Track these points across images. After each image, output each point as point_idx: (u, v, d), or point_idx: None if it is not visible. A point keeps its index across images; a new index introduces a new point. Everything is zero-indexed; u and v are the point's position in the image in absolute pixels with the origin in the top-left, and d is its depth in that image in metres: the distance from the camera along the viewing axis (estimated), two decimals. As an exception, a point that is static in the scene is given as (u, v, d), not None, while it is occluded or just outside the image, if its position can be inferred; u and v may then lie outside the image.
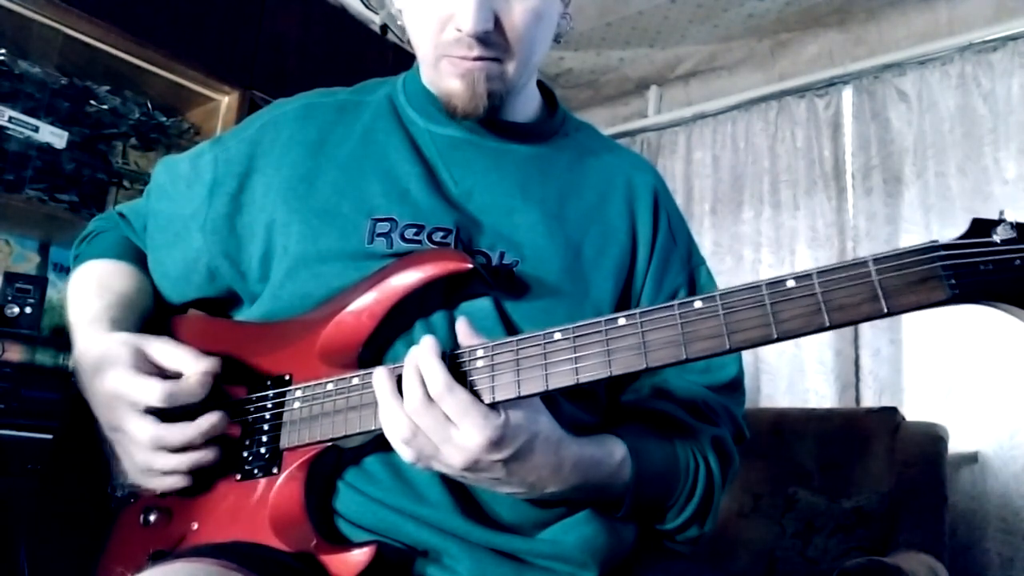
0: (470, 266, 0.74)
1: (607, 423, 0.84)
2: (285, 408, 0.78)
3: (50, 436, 1.72)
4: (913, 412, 2.49)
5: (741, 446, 0.88)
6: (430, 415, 0.65)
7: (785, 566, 2.19)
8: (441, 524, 0.74)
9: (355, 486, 0.76)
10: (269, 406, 0.79)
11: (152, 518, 0.81)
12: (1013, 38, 2.66)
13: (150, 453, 0.77)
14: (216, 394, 0.80)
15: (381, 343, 0.78)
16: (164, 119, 2.39)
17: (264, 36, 2.49)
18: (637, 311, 0.64)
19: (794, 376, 2.93)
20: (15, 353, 1.81)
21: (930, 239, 0.57)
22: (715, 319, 0.61)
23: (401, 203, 0.83)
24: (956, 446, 2.39)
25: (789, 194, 3.10)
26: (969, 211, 2.60)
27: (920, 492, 2.18)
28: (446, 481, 0.74)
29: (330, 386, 0.75)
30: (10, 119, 1.96)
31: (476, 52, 0.79)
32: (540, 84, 0.96)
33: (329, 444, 0.75)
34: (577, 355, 0.65)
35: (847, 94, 3.04)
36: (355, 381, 0.74)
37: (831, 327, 0.57)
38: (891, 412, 2.39)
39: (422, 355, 0.66)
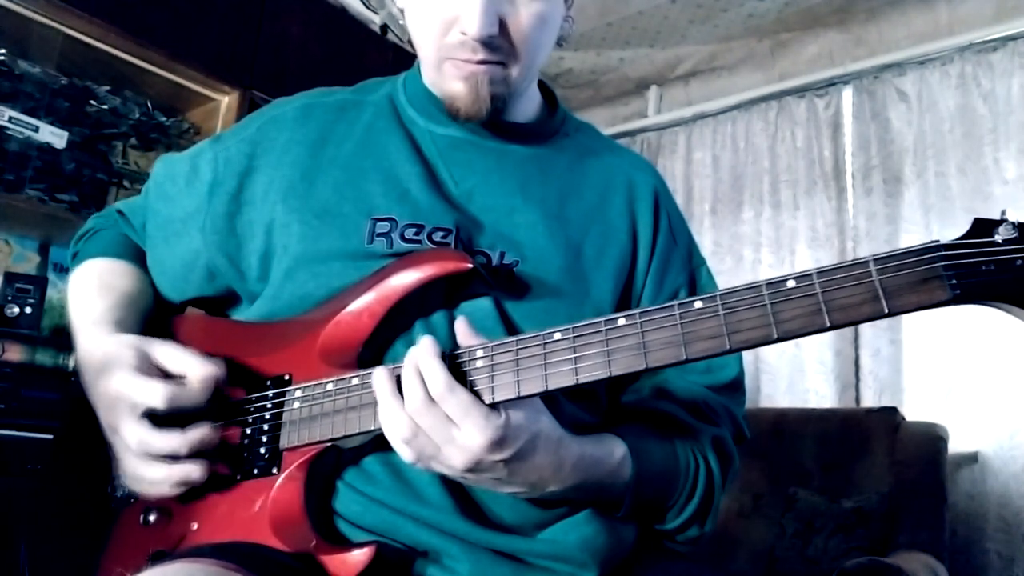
0: (470, 266, 0.74)
1: (607, 423, 0.84)
2: (285, 408, 0.78)
3: (50, 436, 1.72)
4: (913, 412, 2.49)
5: (741, 446, 0.88)
6: (431, 415, 0.65)
7: (785, 566, 2.19)
8: (441, 524, 0.74)
9: (355, 486, 0.76)
10: (269, 406, 0.79)
11: (152, 518, 0.81)
12: (1013, 38, 2.66)
13: (137, 460, 0.76)
14: (216, 394, 0.79)
15: (381, 343, 0.78)
16: (164, 119, 2.39)
17: (264, 36, 2.49)
18: (637, 311, 0.64)
19: (794, 376, 2.93)
20: (15, 353, 1.81)
21: (930, 239, 0.57)
22: (715, 319, 0.61)
23: (401, 203, 0.83)
24: (956, 446, 2.39)
25: (789, 194, 3.10)
26: (969, 211, 2.60)
27: (920, 492, 2.18)
28: (446, 482, 0.74)
29: (330, 386, 0.75)
30: (10, 119, 1.96)
31: (480, 56, 0.79)
32: (541, 84, 0.96)
33: (329, 444, 0.75)
34: (577, 355, 0.65)
35: (847, 94, 3.04)
36: (355, 381, 0.74)
37: (832, 327, 0.57)
38: (891, 412, 2.39)
39: (422, 355, 0.66)
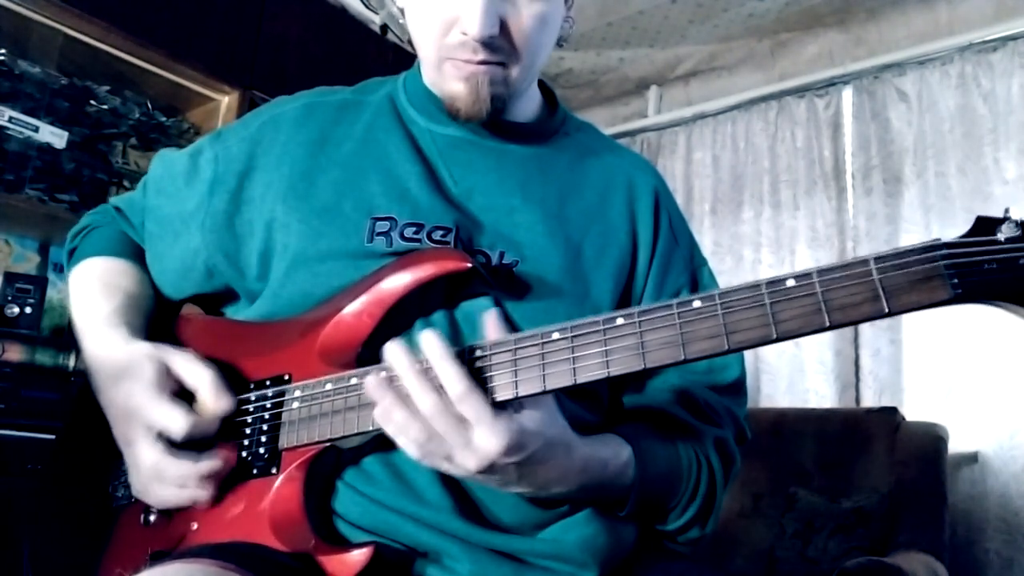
0: (469, 265, 0.74)
1: (609, 422, 0.83)
2: (284, 408, 0.78)
3: (50, 436, 1.72)
4: (913, 412, 2.49)
5: (742, 447, 0.88)
6: (446, 418, 0.64)
7: (785, 566, 2.19)
8: (441, 525, 0.73)
9: (354, 486, 0.76)
10: (268, 406, 0.79)
11: (152, 518, 0.82)
12: (1013, 38, 2.66)
13: (148, 477, 0.77)
14: None
15: (381, 343, 0.77)
16: (164, 119, 2.39)
17: (264, 36, 2.48)
18: (635, 310, 0.64)
19: (794, 376, 2.93)
20: (15, 353, 1.81)
21: (930, 239, 0.56)
22: (714, 319, 0.60)
23: (401, 202, 0.83)
24: (956, 446, 2.39)
25: (789, 194, 3.09)
26: (969, 211, 2.60)
27: (920, 492, 2.18)
28: (446, 482, 0.74)
29: (329, 386, 0.75)
30: (10, 119, 1.96)
31: (481, 56, 0.79)
32: (541, 84, 0.96)
33: (328, 444, 0.75)
34: (575, 355, 0.64)
35: (847, 94, 3.04)
36: (354, 381, 0.73)
37: (831, 327, 0.57)
38: (891, 412, 2.39)
39: (435, 356, 0.65)
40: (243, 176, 0.88)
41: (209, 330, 0.91)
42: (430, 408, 0.64)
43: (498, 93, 0.81)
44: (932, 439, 2.28)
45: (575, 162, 0.92)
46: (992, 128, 2.64)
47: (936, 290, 0.55)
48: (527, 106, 0.92)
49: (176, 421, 0.75)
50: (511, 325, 0.79)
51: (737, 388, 0.89)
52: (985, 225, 0.55)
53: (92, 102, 2.20)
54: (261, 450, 0.77)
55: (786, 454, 2.46)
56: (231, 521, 0.76)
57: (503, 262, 0.82)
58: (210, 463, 0.76)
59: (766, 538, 2.30)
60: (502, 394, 0.66)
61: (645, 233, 0.89)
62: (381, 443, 0.75)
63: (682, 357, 0.61)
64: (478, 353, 0.68)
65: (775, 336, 0.58)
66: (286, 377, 0.79)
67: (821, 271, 0.58)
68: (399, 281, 0.75)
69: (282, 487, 0.75)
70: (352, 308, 0.76)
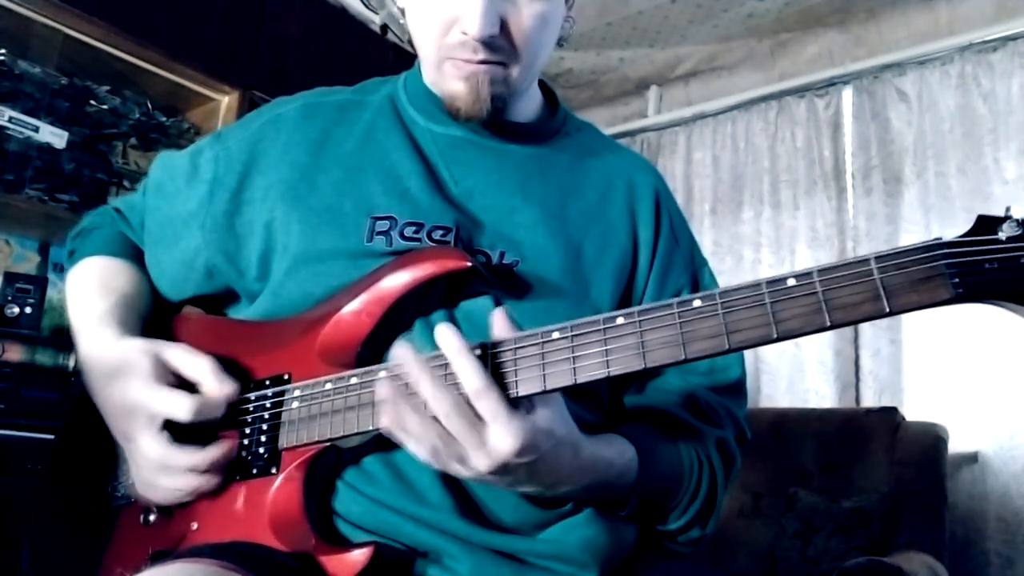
0: (469, 264, 0.74)
1: (609, 422, 0.83)
2: (284, 408, 0.78)
3: (50, 436, 1.72)
4: (913, 412, 2.49)
5: (742, 447, 0.88)
6: (462, 418, 0.62)
7: (785, 566, 2.18)
8: (441, 525, 0.73)
9: (354, 486, 0.76)
10: (268, 405, 0.79)
11: (152, 518, 0.81)
12: (1013, 38, 2.66)
13: (153, 470, 0.77)
14: None
15: (380, 342, 0.78)
16: (164, 119, 2.39)
17: (264, 36, 2.48)
18: (636, 310, 0.63)
19: (794, 376, 2.93)
20: (15, 353, 1.81)
21: (931, 239, 0.56)
22: (714, 318, 0.60)
23: (401, 201, 0.83)
24: (956, 446, 2.39)
25: (789, 194, 3.09)
26: (969, 211, 2.60)
27: (920, 492, 2.18)
28: (446, 482, 0.74)
29: (329, 385, 0.75)
30: (10, 119, 1.96)
31: (481, 56, 0.79)
32: (541, 84, 0.96)
33: (328, 444, 0.75)
34: (575, 355, 0.64)
35: (847, 94, 3.04)
36: (353, 380, 0.73)
37: (832, 327, 0.56)
38: (891, 412, 2.39)
39: (452, 350, 0.63)
40: (243, 176, 0.88)
41: (208, 329, 0.91)
42: (447, 408, 0.62)
43: (498, 93, 0.81)
44: (932, 439, 2.28)
45: (575, 162, 0.92)
46: (992, 128, 2.65)
47: (937, 289, 0.54)
48: (527, 106, 0.92)
49: (181, 404, 0.75)
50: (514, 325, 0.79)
51: (737, 389, 0.89)
52: (986, 224, 0.54)
53: (92, 102, 2.20)
54: (261, 450, 0.77)
55: (786, 454, 2.46)
56: (231, 521, 0.76)
57: (503, 262, 0.82)
58: (215, 450, 0.76)
59: (766, 538, 2.30)
60: (512, 392, 0.65)
61: (646, 233, 0.89)
62: (381, 443, 0.75)
63: (682, 357, 0.60)
64: (477, 352, 0.67)
65: (776, 335, 0.58)
66: (286, 377, 0.79)
67: (822, 270, 0.58)
68: (399, 280, 0.75)
69: (282, 487, 0.75)
70: (352, 307, 0.76)
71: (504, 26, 0.78)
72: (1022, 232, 0.52)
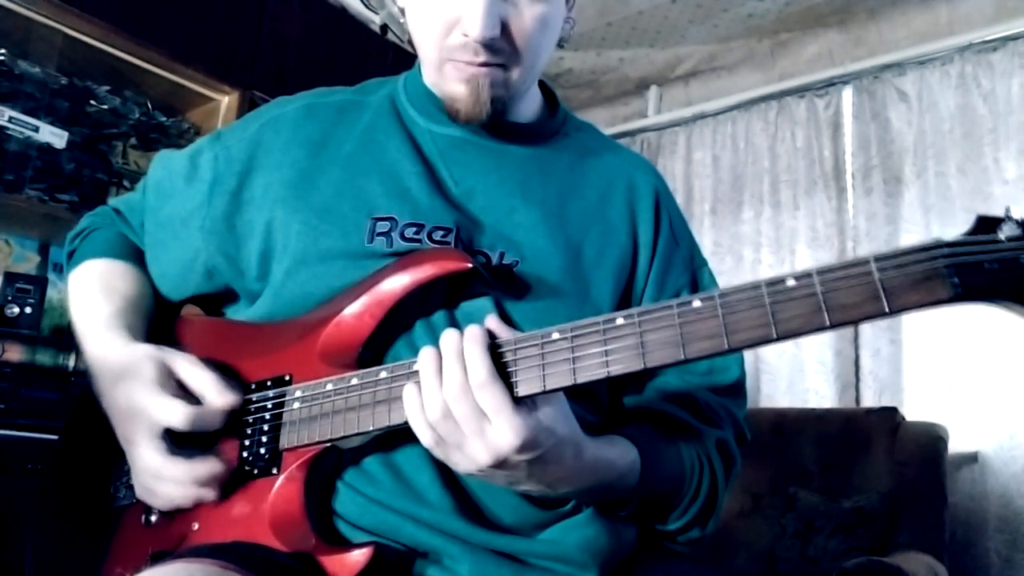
0: (470, 265, 0.74)
1: (609, 423, 0.83)
2: (285, 408, 0.78)
3: (51, 436, 1.72)
4: (913, 412, 2.49)
5: (742, 448, 0.88)
6: (467, 404, 0.63)
7: (785, 566, 2.19)
8: (441, 525, 0.73)
9: (355, 487, 0.76)
10: (269, 406, 0.79)
11: (153, 518, 0.82)
12: (1013, 38, 2.66)
13: (150, 478, 0.77)
14: None
15: (381, 343, 0.78)
16: (164, 119, 2.39)
17: (264, 36, 2.49)
18: (635, 311, 0.63)
19: (794, 376, 2.93)
20: (15, 353, 1.81)
21: (931, 239, 0.56)
22: (714, 319, 0.60)
23: (401, 202, 0.83)
24: (956, 446, 2.39)
25: (789, 194, 3.10)
26: (969, 211, 2.60)
27: (920, 492, 2.18)
28: (446, 482, 0.74)
29: (329, 386, 0.75)
30: (10, 119, 1.96)
31: (482, 58, 0.79)
32: (541, 84, 0.96)
33: (328, 444, 0.75)
34: (575, 355, 0.64)
35: (847, 94, 3.04)
36: (354, 381, 0.73)
37: (832, 327, 0.56)
38: (891, 412, 2.39)
39: (468, 342, 0.64)
40: (243, 176, 0.88)
41: (209, 331, 0.91)
42: (455, 389, 0.63)
43: (498, 95, 0.81)
44: (932, 439, 2.28)
45: (575, 162, 0.92)
46: (992, 128, 2.65)
47: (937, 289, 0.54)
48: (527, 107, 0.92)
49: (177, 413, 0.75)
50: (511, 325, 0.79)
51: (737, 389, 0.89)
52: (986, 224, 0.54)
53: (92, 102, 2.20)
54: (262, 450, 0.77)
55: (786, 454, 2.46)
56: (232, 521, 0.76)
57: (503, 262, 0.82)
58: (211, 464, 0.76)
59: (766, 538, 2.30)
60: (513, 392, 0.65)
61: (645, 233, 0.89)
62: (381, 443, 0.75)
63: (682, 357, 0.60)
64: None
65: (775, 336, 0.58)
66: (287, 378, 0.79)
67: (821, 271, 0.58)
68: (400, 281, 0.75)
69: (283, 487, 0.75)
70: (353, 308, 0.76)
71: (505, 28, 0.78)
72: (1022, 232, 0.52)
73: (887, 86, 2.93)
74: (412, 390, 0.66)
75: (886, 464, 2.27)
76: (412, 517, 0.74)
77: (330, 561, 0.69)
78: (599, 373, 0.63)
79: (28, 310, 1.94)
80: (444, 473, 0.74)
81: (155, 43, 2.19)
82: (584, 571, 0.76)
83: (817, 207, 3.01)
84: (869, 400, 2.73)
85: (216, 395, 0.78)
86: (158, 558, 0.77)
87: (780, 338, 0.58)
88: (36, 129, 2.01)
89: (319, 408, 0.75)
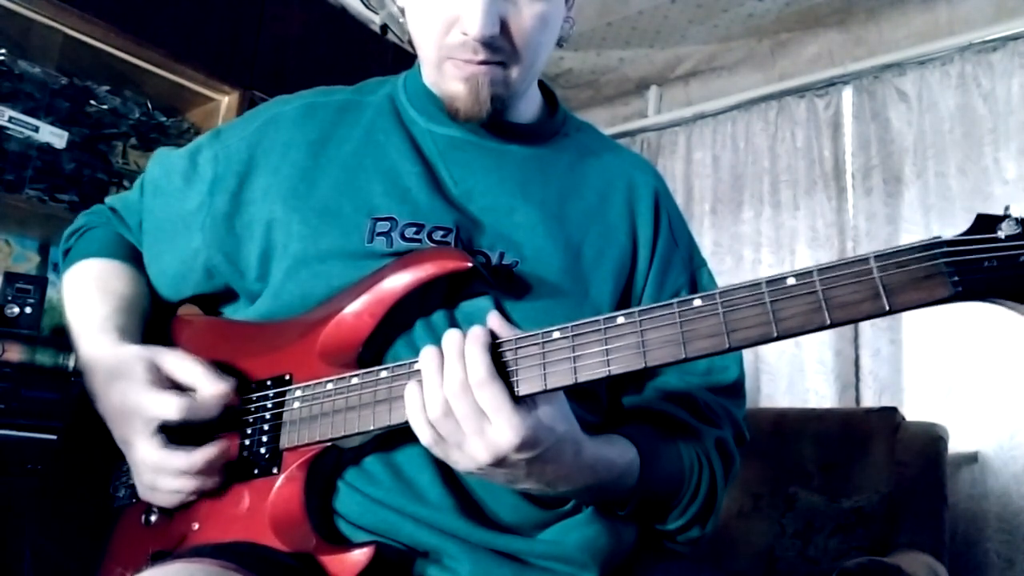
0: (470, 265, 0.74)
1: (609, 423, 0.83)
2: (285, 408, 0.78)
3: (51, 436, 1.72)
4: (913, 412, 2.49)
5: (741, 448, 0.88)
6: (467, 402, 0.63)
7: (785, 566, 2.19)
8: (441, 525, 0.73)
9: (355, 486, 0.76)
10: (269, 406, 0.79)
11: (153, 518, 0.81)
12: (1013, 38, 2.66)
13: (150, 473, 0.77)
14: None
15: (381, 343, 0.78)
16: (164, 119, 2.39)
17: (264, 36, 2.49)
18: (636, 309, 0.63)
19: (794, 376, 2.93)
20: (15, 353, 1.81)
21: (931, 237, 0.56)
22: (715, 317, 0.60)
23: (401, 202, 0.83)
24: (956, 446, 2.39)
25: (789, 194, 3.10)
26: (969, 211, 2.60)
27: (920, 492, 2.18)
28: (447, 482, 0.74)
29: (330, 386, 0.75)
30: (10, 119, 1.96)
31: (481, 56, 0.79)
32: (541, 84, 0.96)
33: (329, 444, 0.75)
34: (576, 354, 0.64)
35: (847, 94, 3.04)
36: (355, 381, 0.73)
37: (832, 325, 0.57)
38: (891, 412, 2.39)
39: (469, 342, 0.64)
40: (243, 176, 0.88)
41: (208, 331, 0.91)
42: (456, 386, 0.63)
43: (498, 94, 0.81)
44: (932, 439, 2.28)
45: (575, 162, 0.92)
46: (992, 128, 2.65)
47: (936, 288, 0.54)
48: (527, 106, 0.92)
49: (170, 405, 0.75)
50: (511, 325, 0.79)
51: (736, 389, 0.89)
52: (985, 223, 0.54)
53: (92, 102, 2.20)
54: (262, 450, 0.77)
55: (786, 454, 2.46)
56: (232, 521, 0.76)
57: (503, 262, 0.82)
58: (211, 449, 0.76)
59: (766, 538, 2.30)
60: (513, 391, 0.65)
61: (645, 234, 0.89)
62: (382, 443, 0.75)
63: (683, 356, 0.61)
64: None
65: (776, 334, 0.58)
66: (287, 377, 0.79)
67: (822, 269, 0.58)
68: (400, 281, 0.75)
69: (283, 487, 0.75)
70: (353, 308, 0.76)
71: (504, 27, 0.78)
72: (1021, 231, 0.53)
73: (887, 86, 2.93)
74: (414, 388, 0.66)
75: (886, 464, 2.27)
76: (412, 516, 0.74)
77: (331, 561, 0.69)
78: (600, 372, 0.63)
79: (28, 310, 1.94)
80: (444, 473, 0.74)
81: (155, 43, 2.19)
82: (584, 571, 0.76)
83: (817, 207, 3.01)
84: (869, 400, 2.73)
85: (208, 384, 0.78)
86: (158, 558, 0.77)
87: (781, 336, 0.58)
88: (36, 129, 2.01)
89: (319, 407, 0.75)
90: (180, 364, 0.79)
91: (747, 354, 2.30)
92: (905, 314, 0.57)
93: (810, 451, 2.43)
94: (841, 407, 2.74)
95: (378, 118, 0.90)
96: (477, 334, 0.65)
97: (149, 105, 2.34)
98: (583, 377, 0.63)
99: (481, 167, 0.87)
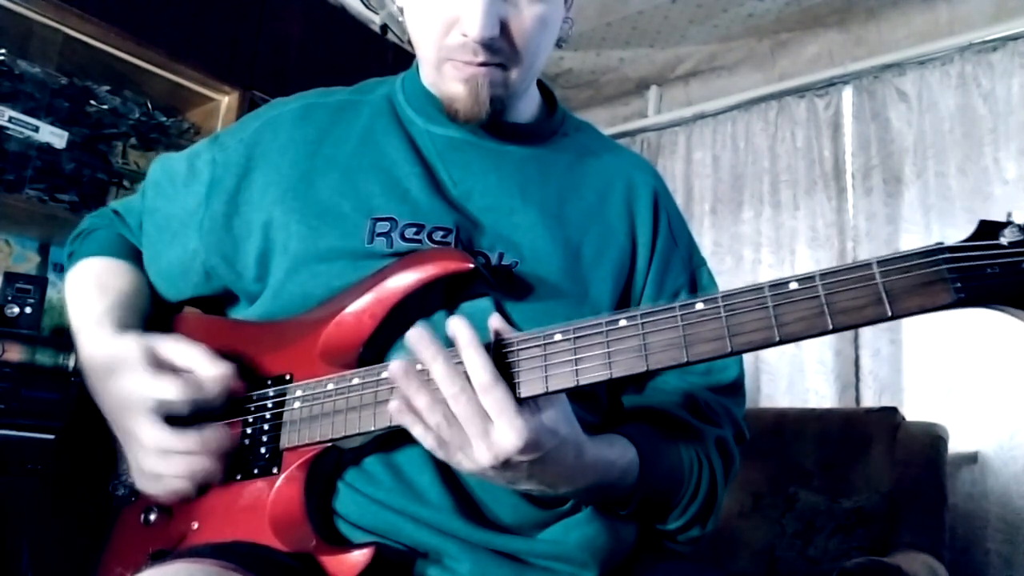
0: (471, 266, 0.74)
1: (609, 423, 0.83)
2: (285, 408, 0.78)
3: (51, 436, 1.72)
4: (913, 412, 2.49)
5: (741, 447, 0.88)
6: (469, 406, 0.63)
7: (785, 566, 2.19)
8: (441, 525, 0.73)
9: (355, 487, 0.76)
10: (269, 406, 0.79)
11: (153, 517, 0.81)
12: (1013, 38, 2.66)
13: (155, 458, 0.76)
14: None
15: (382, 343, 0.78)
16: (164, 119, 2.38)
17: (264, 36, 2.48)
18: (638, 312, 0.63)
19: (794, 376, 2.93)
20: (15, 353, 1.81)
21: (930, 239, 0.56)
22: (717, 321, 0.60)
23: (401, 203, 0.83)
24: (956, 446, 2.39)
25: (789, 194, 3.10)
26: (969, 211, 2.60)
27: (920, 492, 2.18)
28: (447, 482, 0.74)
29: (330, 386, 0.75)
30: (10, 119, 1.96)
31: (481, 58, 0.79)
32: (540, 84, 0.96)
33: (329, 444, 0.75)
34: (577, 357, 0.64)
35: (847, 94, 3.04)
36: (355, 381, 0.74)
37: (834, 330, 0.56)
38: (891, 412, 2.39)
39: (465, 344, 0.64)
40: (241, 178, 0.88)
41: (208, 330, 0.91)
42: (456, 390, 0.62)
43: (497, 95, 0.81)
44: (932, 439, 2.28)
45: (574, 163, 0.92)
46: (992, 128, 2.65)
47: (939, 294, 0.54)
48: (526, 107, 0.92)
49: (171, 388, 0.75)
50: (511, 326, 0.79)
51: (735, 389, 0.89)
52: (988, 229, 0.54)
53: (92, 102, 2.20)
54: (262, 450, 0.77)
55: (786, 454, 2.46)
56: (232, 521, 0.76)
57: (502, 263, 0.82)
58: (212, 430, 0.76)
59: (766, 538, 2.30)
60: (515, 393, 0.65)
61: (644, 233, 0.89)
62: (382, 443, 0.75)
63: (685, 359, 0.60)
64: None
65: (778, 339, 0.58)
66: (287, 377, 0.79)
67: (824, 274, 0.58)
68: (402, 281, 0.75)
69: (283, 487, 0.75)
70: (354, 308, 0.76)
71: (504, 28, 0.78)
72: (1023, 237, 0.52)
73: (887, 86, 2.93)
74: (412, 401, 0.65)
75: (886, 464, 2.27)
76: (412, 517, 0.74)
77: (331, 561, 0.69)
78: (602, 374, 0.63)
79: (28, 310, 1.94)
80: (444, 473, 0.74)
81: (155, 43, 2.19)
82: (584, 570, 0.76)
83: (817, 207, 3.01)
84: (869, 400, 2.73)
85: (206, 365, 0.78)
86: (158, 557, 0.77)
87: (783, 341, 0.58)
88: (36, 129, 2.00)
89: (320, 408, 0.75)
90: (178, 348, 0.79)
91: (747, 354, 2.30)
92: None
93: (810, 451, 2.43)
94: (841, 407, 2.74)
95: (376, 118, 0.90)
96: (469, 336, 0.64)
97: (149, 105, 2.34)
98: (585, 379, 0.63)
99: (480, 167, 0.87)
